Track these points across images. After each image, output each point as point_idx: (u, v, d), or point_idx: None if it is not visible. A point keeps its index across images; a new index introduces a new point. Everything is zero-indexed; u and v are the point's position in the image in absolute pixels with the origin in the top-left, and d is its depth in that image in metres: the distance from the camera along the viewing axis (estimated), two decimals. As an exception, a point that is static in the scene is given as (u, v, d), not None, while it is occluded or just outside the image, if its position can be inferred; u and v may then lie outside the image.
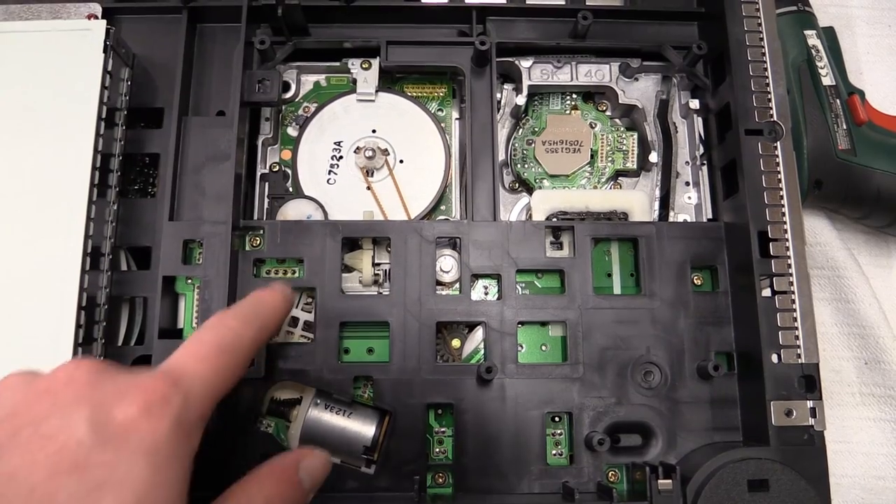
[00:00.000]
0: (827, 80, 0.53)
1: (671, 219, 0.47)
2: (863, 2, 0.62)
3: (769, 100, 0.44)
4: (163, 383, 0.28)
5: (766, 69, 0.44)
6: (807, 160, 0.52)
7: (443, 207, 0.47)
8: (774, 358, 0.41)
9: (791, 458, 0.39)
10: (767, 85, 0.44)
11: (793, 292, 0.41)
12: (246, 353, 0.33)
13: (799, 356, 0.41)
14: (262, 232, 0.44)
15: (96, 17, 0.45)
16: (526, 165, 0.48)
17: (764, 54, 0.44)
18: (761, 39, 0.45)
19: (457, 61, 0.47)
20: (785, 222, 0.42)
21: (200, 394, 0.30)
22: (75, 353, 0.40)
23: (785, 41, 0.53)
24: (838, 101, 0.53)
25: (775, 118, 0.44)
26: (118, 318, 0.44)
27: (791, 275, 0.41)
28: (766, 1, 0.45)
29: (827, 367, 0.55)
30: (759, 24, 0.45)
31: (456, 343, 0.45)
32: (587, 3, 0.49)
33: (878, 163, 0.52)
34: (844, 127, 0.52)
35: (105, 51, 0.43)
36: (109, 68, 0.43)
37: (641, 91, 0.49)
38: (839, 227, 0.57)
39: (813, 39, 0.54)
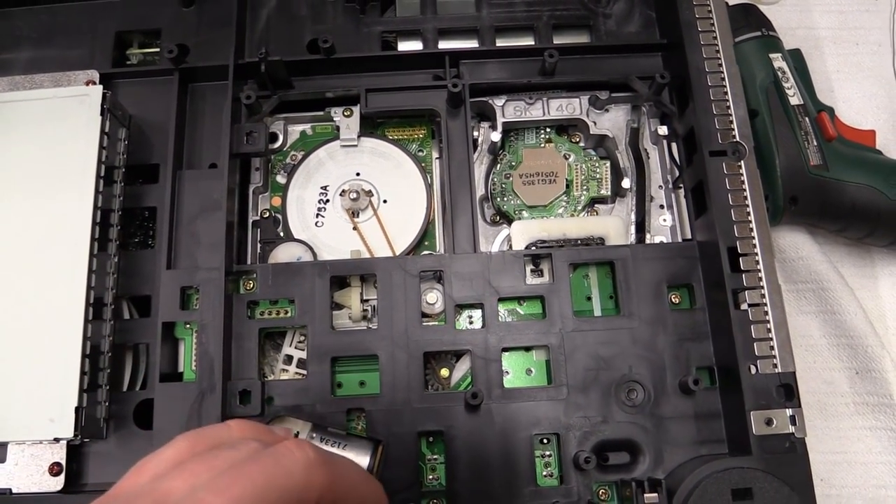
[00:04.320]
0: (795, 100, 0.55)
1: (648, 241, 0.49)
2: (829, 23, 0.65)
3: (731, 122, 0.46)
4: None
5: (726, 93, 0.46)
6: (781, 178, 0.53)
7: (426, 243, 0.49)
8: (752, 369, 0.42)
9: (774, 466, 0.40)
10: (728, 108, 0.46)
11: (765, 304, 0.43)
12: None
13: (775, 366, 0.42)
14: (254, 275, 0.46)
15: (94, 83, 0.49)
16: (505, 198, 0.50)
17: (723, 79, 0.47)
18: (720, 65, 0.47)
19: (433, 104, 0.49)
20: (753, 237, 0.44)
21: None
22: (80, 399, 0.42)
23: (752, 65, 0.55)
24: (807, 119, 0.54)
25: (738, 139, 0.45)
26: (122, 365, 0.47)
27: (763, 287, 0.43)
28: (723, 29, 0.48)
29: (819, 378, 0.56)
30: (717, 51, 0.47)
31: (444, 372, 0.47)
32: (554, 42, 0.51)
33: (850, 176, 0.53)
34: (815, 143, 0.54)
35: (102, 114, 0.46)
36: (107, 129, 0.46)
37: (612, 121, 0.51)
38: (820, 241, 0.58)
39: (779, 62, 0.56)
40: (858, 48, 0.64)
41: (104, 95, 0.46)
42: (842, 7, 0.65)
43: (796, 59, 0.58)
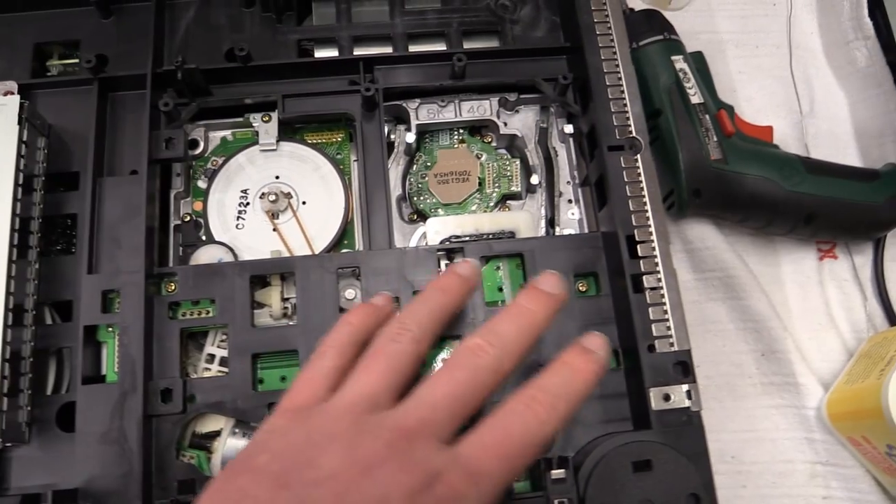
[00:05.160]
0: (696, 99, 0.58)
1: (557, 234, 0.51)
2: (731, 27, 0.68)
3: (627, 118, 0.49)
4: (463, 483, 0.30)
5: (623, 92, 0.49)
6: (684, 172, 0.56)
7: (346, 242, 0.51)
8: (650, 349, 0.44)
9: (672, 439, 0.43)
10: (625, 105, 0.49)
11: (662, 288, 0.45)
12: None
13: (672, 345, 0.44)
14: (175, 277, 0.47)
15: (12, 93, 0.49)
16: (421, 197, 0.53)
17: (620, 79, 0.50)
18: (617, 66, 0.50)
19: (348, 108, 0.51)
20: (650, 226, 0.46)
21: (489, 496, 0.31)
22: (0, 404, 0.42)
23: (655, 67, 0.59)
24: (708, 116, 0.58)
25: (634, 134, 0.48)
26: (46, 369, 0.47)
27: (659, 272, 0.46)
28: (620, 32, 0.51)
29: (728, 361, 0.59)
30: (615, 53, 0.50)
31: (365, 365, 0.48)
32: (465, 47, 0.54)
33: (748, 168, 0.57)
34: (715, 139, 0.57)
35: (20, 123, 0.47)
36: (25, 139, 0.47)
37: (523, 121, 0.54)
38: (726, 232, 0.61)
39: (680, 63, 0.59)
40: (759, 50, 0.68)
41: (21, 105, 0.47)
42: (743, 12, 0.69)
43: (698, 61, 0.61)
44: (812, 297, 0.61)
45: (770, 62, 0.67)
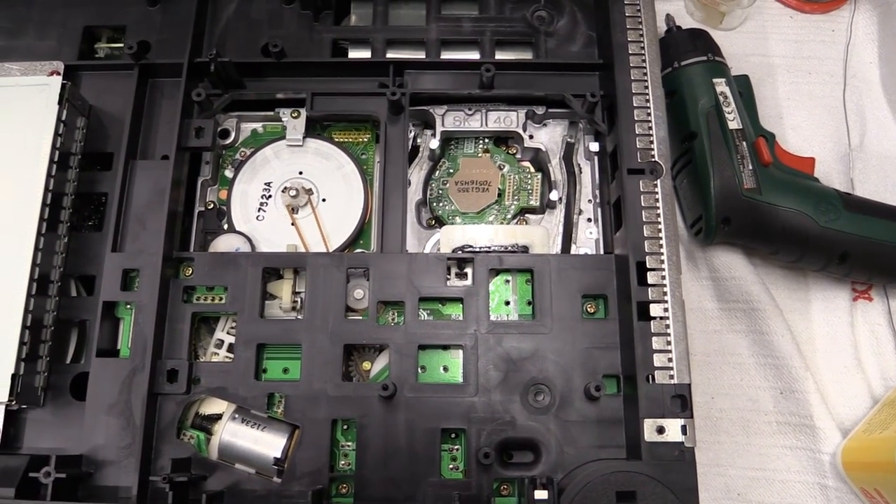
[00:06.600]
0: (734, 125, 0.57)
1: (573, 252, 0.51)
2: (784, 51, 0.66)
3: (651, 142, 0.48)
4: None
5: (649, 114, 0.48)
6: (714, 198, 0.55)
7: (361, 241, 0.52)
8: (649, 378, 0.44)
9: (661, 472, 0.42)
10: (650, 128, 0.48)
11: (668, 318, 0.45)
12: None
13: (672, 377, 0.44)
14: (193, 262, 0.49)
15: (59, 74, 0.52)
16: (441, 203, 0.53)
17: (648, 101, 0.49)
18: (646, 87, 0.49)
19: (374, 110, 0.52)
20: (662, 253, 0.46)
21: None
22: (17, 367, 0.45)
23: (694, 89, 0.57)
24: (745, 143, 0.56)
25: (656, 158, 0.47)
26: (67, 339, 0.50)
27: (667, 302, 0.45)
28: (653, 54, 0.50)
29: (744, 395, 0.57)
30: (645, 74, 0.49)
31: (366, 365, 0.49)
32: (497, 57, 0.54)
33: (782, 200, 0.55)
34: (750, 167, 0.56)
35: (60, 103, 0.49)
36: (64, 118, 0.49)
37: (550, 135, 0.54)
38: (756, 262, 0.59)
39: (722, 87, 0.58)
40: (811, 77, 0.65)
41: (63, 86, 0.49)
42: (798, 36, 0.67)
43: (742, 85, 0.60)
44: (841, 338, 0.59)
45: (822, 90, 0.65)
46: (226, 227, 0.52)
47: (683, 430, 0.43)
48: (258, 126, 0.55)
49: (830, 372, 0.58)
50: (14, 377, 0.44)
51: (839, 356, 0.58)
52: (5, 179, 0.48)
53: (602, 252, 0.51)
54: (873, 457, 0.50)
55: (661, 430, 0.43)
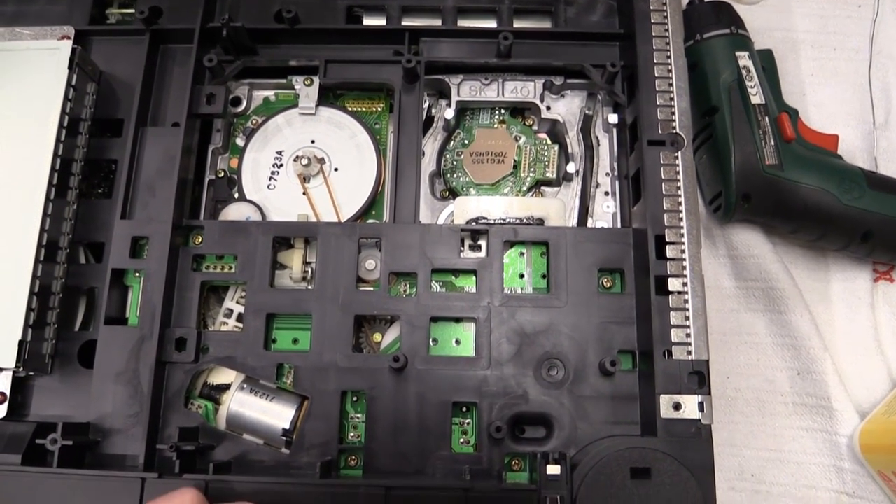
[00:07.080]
0: (756, 99, 0.55)
1: (590, 225, 0.50)
2: (809, 26, 0.64)
3: (672, 113, 0.47)
4: None
5: (671, 84, 0.47)
6: (734, 174, 0.54)
7: (374, 212, 0.51)
8: (666, 354, 0.43)
9: (676, 450, 0.41)
10: (672, 99, 0.47)
11: (686, 293, 0.43)
12: None
13: (689, 353, 0.43)
14: (203, 230, 0.48)
15: (69, 38, 0.51)
16: (455, 175, 0.52)
17: (670, 71, 0.47)
18: (668, 58, 0.48)
19: (389, 78, 0.51)
20: (682, 227, 0.44)
21: None
22: (25, 334, 0.44)
23: (717, 62, 0.56)
24: (767, 118, 0.55)
25: (677, 130, 0.46)
26: (76, 306, 0.49)
27: (685, 276, 0.44)
28: (676, 23, 0.48)
29: (760, 375, 0.56)
30: (668, 44, 0.48)
31: (377, 337, 0.48)
32: (515, 26, 0.52)
33: (805, 178, 0.54)
34: (773, 143, 0.54)
35: (70, 68, 0.48)
36: (74, 83, 0.48)
37: (567, 107, 0.52)
38: (775, 240, 0.58)
39: (744, 60, 0.56)
40: (836, 53, 0.64)
41: (73, 50, 0.49)
42: (824, 11, 0.65)
43: (766, 60, 0.58)
44: (861, 320, 0.57)
45: (847, 67, 0.63)
46: (236, 195, 0.51)
47: (700, 406, 0.42)
48: (270, 94, 0.54)
49: (849, 353, 0.57)
50: (21, 344, 0.44)
51: (858, 337, 0.57)
52: (15, 144, 0.47)
53: (619, 226, 0.50)
54: (892, 440, 0.49)
55: (677, 407, 0.42)
